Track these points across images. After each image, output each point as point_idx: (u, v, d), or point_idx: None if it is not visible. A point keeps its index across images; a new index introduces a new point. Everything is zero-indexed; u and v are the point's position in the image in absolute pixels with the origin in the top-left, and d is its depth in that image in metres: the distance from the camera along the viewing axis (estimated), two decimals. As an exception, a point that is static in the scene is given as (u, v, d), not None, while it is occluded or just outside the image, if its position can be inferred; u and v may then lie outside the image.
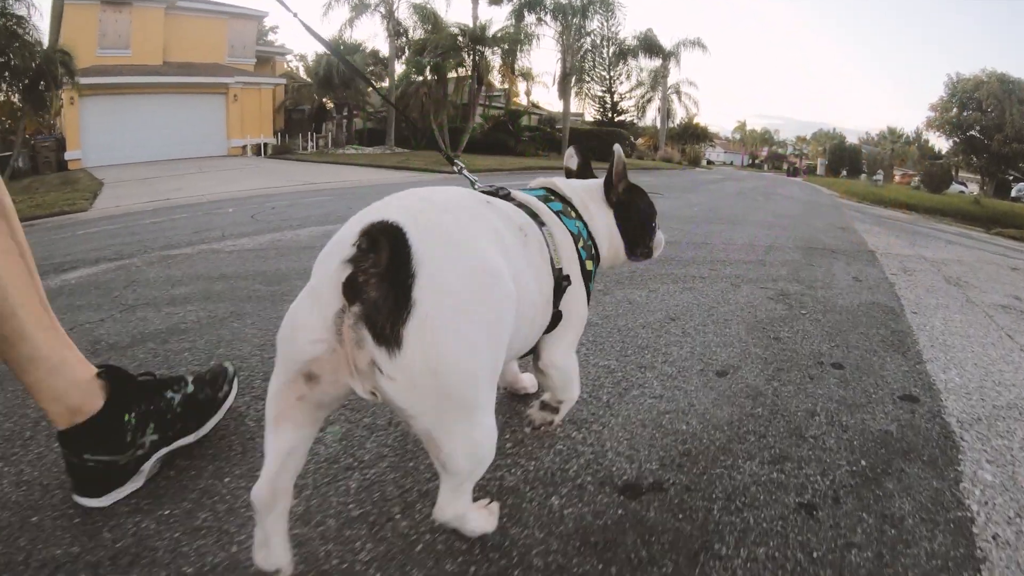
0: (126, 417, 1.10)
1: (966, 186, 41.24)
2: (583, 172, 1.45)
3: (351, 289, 0.73)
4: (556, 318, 1.17)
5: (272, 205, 7.32)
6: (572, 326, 1.23)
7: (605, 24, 27.93)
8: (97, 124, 19.74)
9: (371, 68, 22.15)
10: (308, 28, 1.58)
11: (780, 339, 2.24)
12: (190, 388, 1.28)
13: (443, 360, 0.77)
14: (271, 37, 36.42)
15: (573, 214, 1.25)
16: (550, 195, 1.27)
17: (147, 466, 1.15)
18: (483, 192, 1.17)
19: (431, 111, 16.91)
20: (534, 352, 1.24)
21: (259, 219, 5.71)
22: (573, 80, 22.85)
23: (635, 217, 1.35)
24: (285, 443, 0.84)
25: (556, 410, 1.36)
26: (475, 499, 1.04)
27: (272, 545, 0.86)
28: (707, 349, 2.08)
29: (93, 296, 2.74)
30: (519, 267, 0.98)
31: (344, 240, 0.78)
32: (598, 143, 23.87)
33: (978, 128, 25.12)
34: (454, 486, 0.91)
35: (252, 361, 1.83)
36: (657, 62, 31.48)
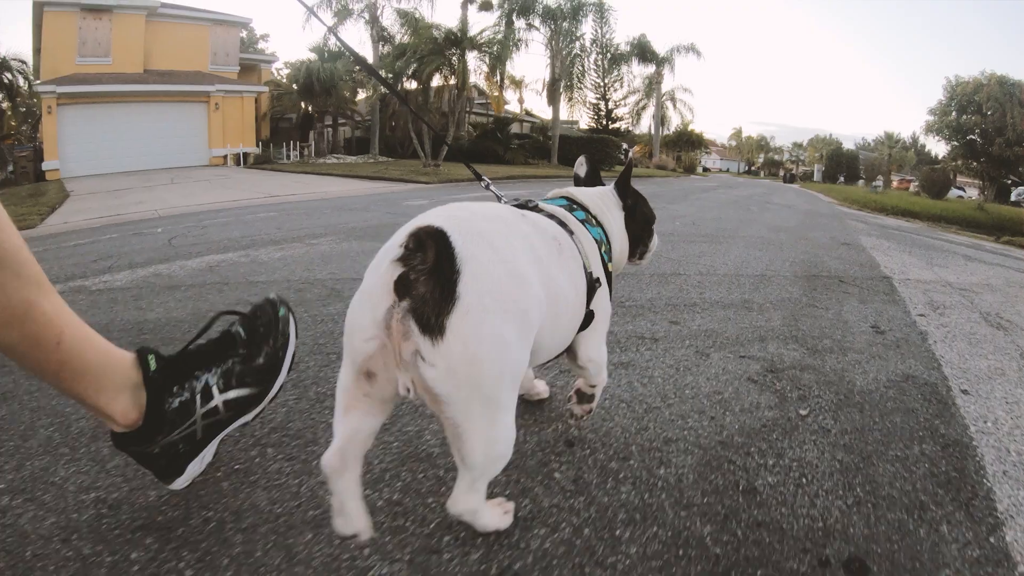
0: (166, 404, 1.04)
1: (964, 191, 40.36)
2: (592, 179, 1.53)
3: (401, 286, 0.81)
4: (588, 317, 1.22)
5: (206, 224, 6.40)
6: (602, 322, 1.29)
7: (599, 30, 27.12)
8: (76, 133, 18.97)
9: (352, 74, 21.24)
10: (340, 40, 1.63)
11: (753, 498, 1.23)
12: (240, 353, 1.15)
13: (479, 350, 0.84)
14: (262, 45, 35.64)
15: (594, 221, 1.32)
16: (572, 204, 1.33)
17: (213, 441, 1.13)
18: (515, 206, 1.21)
19: (409, 118, 15.95)
20: (569, 350, 1.27)
21: (175, 243, 4.80)
22: (562, 86, 21.92)
23: (640, 220, 1.45)
24: (354, 426, 0.92)
25: (592, 397, 1.43)
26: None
27: (348, 511, 0.92)
28: (600, 538, 1.08)
29: None
30: (553, 274, 1.05)
31: (393, 245, 0.87)
32: (588, 150, 23.03)
33: (978, 132, 24.16)
34: (470, 480, 0.96)
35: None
36: (651, 68, 30.64)
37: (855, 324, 2.67)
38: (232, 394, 1.11)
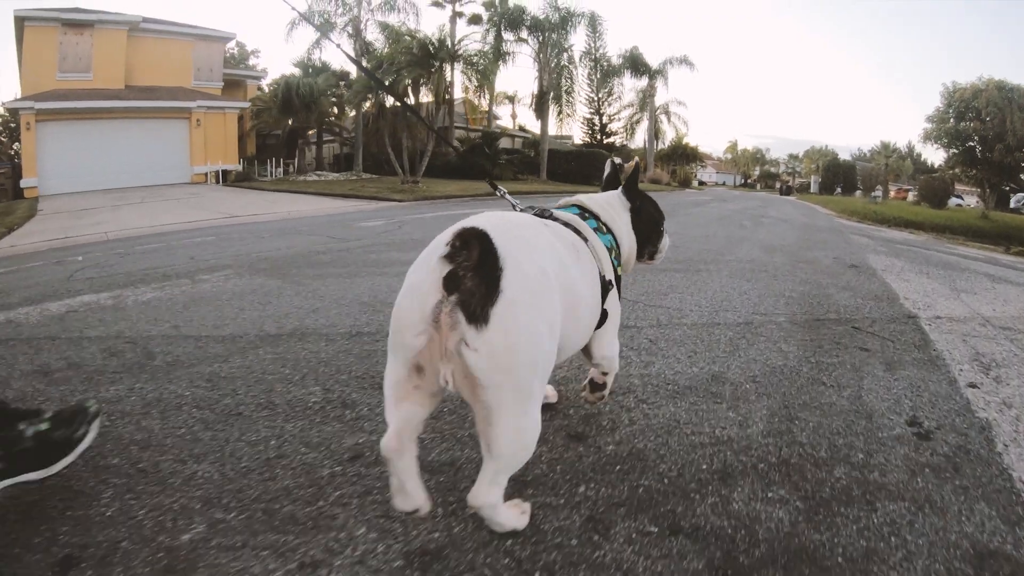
0: None
1: (963, 199, 39.32)
2: (612, 180, 1.58)
3: (451, 281, 0.89)
4: (603, 316, 1.30)
5: (132, 251, 5.57)
6: (613, 320, 1.37)
7: (593, 44, 26.34)
8: (56, 150, 18.23)
9: (334, 88, 20.43)
10: (342, 49, 1.87)
11: None
12: (44, 425, 1.21)
13: (517, 340, 0.92)
14: (253, 61, 35.06)
15: (605, 229, 1.39)
16: (583, 212, 1.40)
17: None
18: (534, 215, 1.30)
19: (386, 133, 15.06)
20: (585, 348, 1.34)
21: (75, 277, 4.00)
22: (551, 99, 21.08)
23: (647, 221, 1.52)
24: (406, 415, 0.98)
25: (604, 385, 1.51)
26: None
27: (408, 489, 0.99)
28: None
29: None
30: (574, 277, 1.15)
31: (438, 246, 0.94)
32: (578, 164, 22.15)
33: (977, 138, 23.20)
34: (493, 472, 0.99)
35: None
36: (644, 81, 29.87)
37: (884, 419, 1.71)
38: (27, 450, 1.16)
